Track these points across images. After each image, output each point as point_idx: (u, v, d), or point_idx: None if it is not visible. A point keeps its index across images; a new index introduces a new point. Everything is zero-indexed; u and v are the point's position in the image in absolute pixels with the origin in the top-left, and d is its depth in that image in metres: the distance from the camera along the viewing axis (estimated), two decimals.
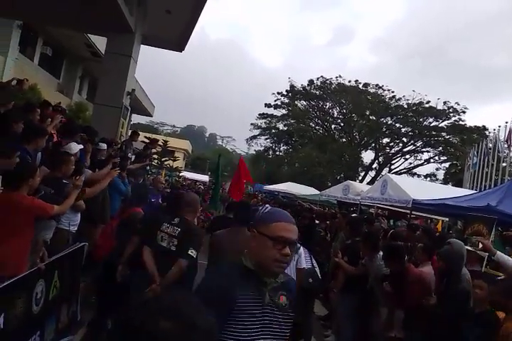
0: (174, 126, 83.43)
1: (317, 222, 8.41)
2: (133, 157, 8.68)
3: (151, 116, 29.72)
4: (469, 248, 4.23)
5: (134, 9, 8.34)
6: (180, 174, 31.70)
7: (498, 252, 3.26)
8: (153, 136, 22.91)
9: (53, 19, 9.23)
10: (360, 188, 15.36)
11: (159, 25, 9.38)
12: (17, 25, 12.21)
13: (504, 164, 20.11)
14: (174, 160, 29.29)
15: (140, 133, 10.04)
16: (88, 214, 5.14)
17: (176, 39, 10.20)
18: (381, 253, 4.17)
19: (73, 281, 4.55)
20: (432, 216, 13.33)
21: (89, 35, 13.49)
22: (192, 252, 3.37)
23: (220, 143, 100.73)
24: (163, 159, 24.96)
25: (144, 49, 9.90)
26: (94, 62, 16.99)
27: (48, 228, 3.80)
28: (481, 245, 3.39)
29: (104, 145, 6.44)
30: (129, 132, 10.09)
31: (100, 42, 14.12)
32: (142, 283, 3.70)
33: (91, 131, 6.00)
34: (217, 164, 10.04)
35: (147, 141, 12.43)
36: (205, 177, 38.37)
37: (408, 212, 11.35)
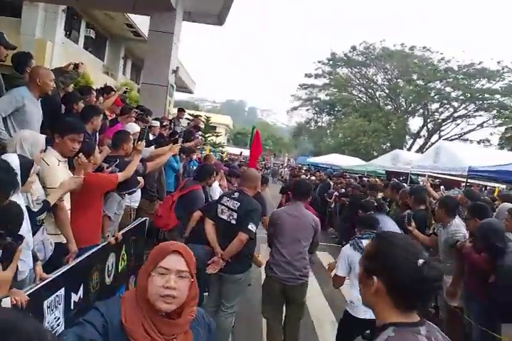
0: (214, 102, 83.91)
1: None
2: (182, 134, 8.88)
3: (192, 93, 29.96)
4: None
5: None
6: (223, 149, 32.14)
7: None
8: (196, 112, 23.22)
9: (99, 2, 9.38)
10: (409, 157, 14.95)
11: (200, 0, 9.27)
12: (61, 10, 12.51)
13: None
14: (217, 136, 29.66)
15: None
16: (146, 190, 5.39)
17: (217, 13, 10.08)
18: (456, 219, 4.10)
19: (138, 254, 4.81)
20: (489, 183, 12.76)
21: (129, 15, 13.60)
22: (252, 227, 3.49)
23: (260, 116, 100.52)
24: (206, 135, 25.33)
25: (184, 25, 9.87)
26: (136, 42, 17.24)
27: (113, 204, 3.98)
28: None
29: (157, 123, 6.65)
30: (174, 110, 10.28)
31: (141, 22, 14.25)
32: (202, 256, 3.87)
33: (144, 110, 6.17)
34: (251, 137, 10.04)
35: (191, 118, 12.63)
36: (247, 152, 38.58)
37: (463, 180, 10.94)
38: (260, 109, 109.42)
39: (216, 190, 5.46)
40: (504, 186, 12.69)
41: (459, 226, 4.01)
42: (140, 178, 4.45)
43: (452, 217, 4.09)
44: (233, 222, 3.58)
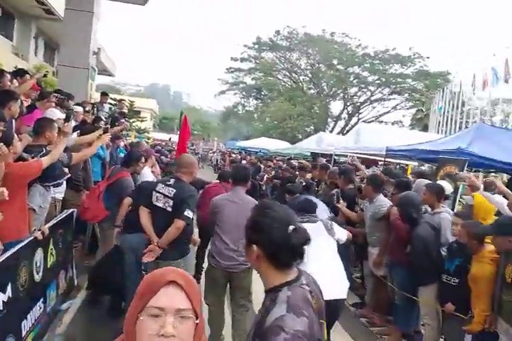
0: (138, 86, 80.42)
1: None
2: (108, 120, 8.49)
3: (113, 76, 28.41)
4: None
5: None
6: (149, 135, 31.09)
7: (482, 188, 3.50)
8: (118, 97, 22.10)
9: None
10: (332, 139, 15.73)
11: None
12: None
13: (469, 107, 20.79)
14: (142, 121, 28.55)
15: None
16: (71, 180, 5.10)
17: None
18: (381, 195, 4.42)
19: (67, 248, 4.60)
20: (405, 161, 13.85)
21: None
22: (188, 214, 3.44)
23: (186, 100, 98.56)
24: (131, 120, 24.26)
25: (104, 3, 9.25)
26: (48, 21, 15.82)
27: (36, 196, 3.75)
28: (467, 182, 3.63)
29: (79, 108, 6.30)
30: (95, 94, 9.75)
31: None
32: (140, 245, 3.80)
33: (64, 94, 5.79)
34: (179, 122, 9.86)
35: (113, 102, 12.03)
36: (176, 137, 37.58)
37: (381, 159, 11.81)
38: (186, 92, 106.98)
39: (149, 177, 5.32)
40: (416, 163, 13.88)
41: (383, 201, 4.35)
42: (65, 169, 4.21)
43: (378, 193, 4.43)
44: (169, 209, 3.51)
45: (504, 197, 3.34)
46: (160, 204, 3.56)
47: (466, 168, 7.32)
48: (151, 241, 3.57)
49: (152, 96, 59.62)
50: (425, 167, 15.32)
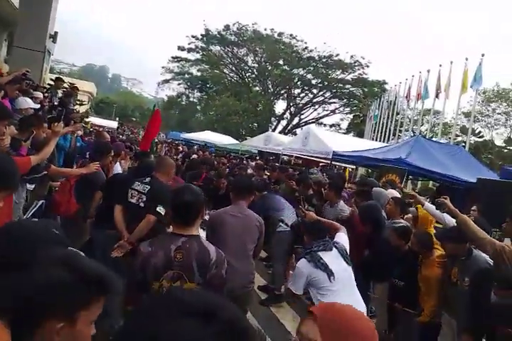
0: (73, 65, 75.78)
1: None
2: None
3: (52, 55, 26.62)
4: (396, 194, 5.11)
5: None
6: (87, 120, 29.65)
7: (427, 203, 4.01)
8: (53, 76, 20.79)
9: None
10: (280, 139, 16.27)
11: None
12: None
13: (400, 116, 22.47)
14: (81, 105, 27.12)
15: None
16: None
17: None
18: (341, 201, 4.84)
19: None
20: (344, 165, 14.82)
21: None
22: (160, 209, 3.44)
23: (125, 85, 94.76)
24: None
25: None
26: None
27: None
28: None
29: (39, 94, 6.11)
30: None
31: None
32: (109, 240, 3.82)
33: (28, 79, 5.59)
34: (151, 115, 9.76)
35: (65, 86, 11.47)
36: (113, 123, 36.23)
37: (325, 161, 12.59)
38: (125, 77, 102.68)
39: (119, 170, 5.33)
40: (353, 166, 14.91)
41: (344, 206, 4.80)
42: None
43: (340, 199, 4.88)
44: (141, 204, 3.55)
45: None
46: (133, 201, 3.59)
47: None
48: (121, 237, 3.62)
49: (87, 78, 56.59)
50: (361, 170, 16.50)
